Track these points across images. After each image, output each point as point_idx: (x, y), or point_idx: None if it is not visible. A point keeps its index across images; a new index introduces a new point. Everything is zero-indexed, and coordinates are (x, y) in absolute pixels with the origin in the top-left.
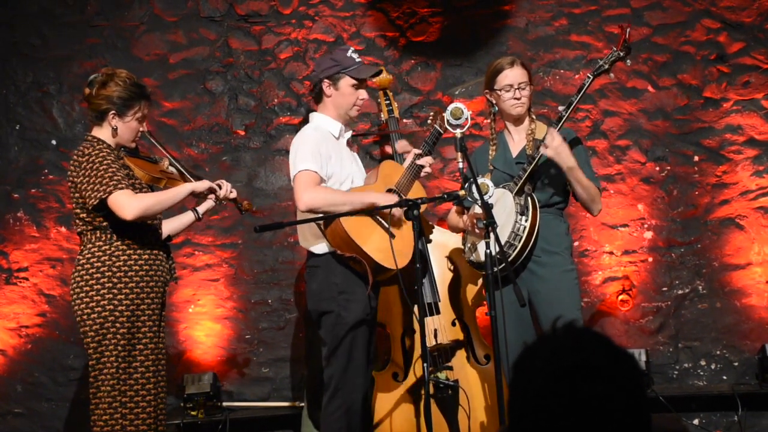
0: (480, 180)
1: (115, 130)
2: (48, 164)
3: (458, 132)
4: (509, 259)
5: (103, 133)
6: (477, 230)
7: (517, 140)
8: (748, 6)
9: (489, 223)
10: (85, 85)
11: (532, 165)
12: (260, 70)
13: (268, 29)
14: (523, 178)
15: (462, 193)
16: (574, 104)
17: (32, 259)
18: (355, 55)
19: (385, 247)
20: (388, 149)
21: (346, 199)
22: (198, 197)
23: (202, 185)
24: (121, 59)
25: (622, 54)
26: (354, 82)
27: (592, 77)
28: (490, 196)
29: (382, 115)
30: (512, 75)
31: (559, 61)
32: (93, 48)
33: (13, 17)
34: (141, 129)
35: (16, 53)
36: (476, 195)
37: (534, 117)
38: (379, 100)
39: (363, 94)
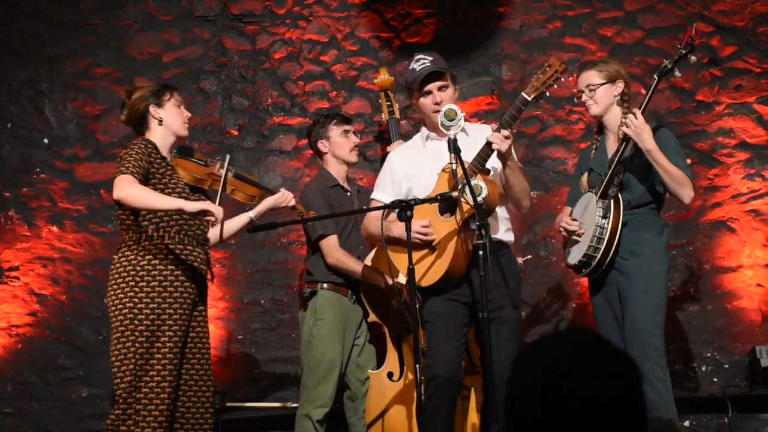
0: (473, 181)
1: (160, 121)
2: (40, 163)
3: (452, 133)
4: (594, 263)
5: (151, 135)
6: (565, 234)
7: (613, 140)
8: (740, 10)
9: (482, 225)
10: (120, 112)
11: (614, 164)
12: (254, 70)
13: (263, 29)
14: (604, 181)
15: (455, 194)
16: (644, 105)
17: (23, 258)
18: (416, 65)
19: (421, 264)
20: (382, 149)
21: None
22: (193, 216)
23: (193, 206)
24: (115, 58)
25: (684, 52)
26: (418, 92)
27: (657, 78)
28: (483, 198)
29: (383, 116)
30: (581, 79)
31: None
32: (87, 47)
33: (6, 15)
34: (187, 114)
35: (9, 51)
36: (469, 197)
37: (627, 118)
38: (380, 101)
39: (436, 95)
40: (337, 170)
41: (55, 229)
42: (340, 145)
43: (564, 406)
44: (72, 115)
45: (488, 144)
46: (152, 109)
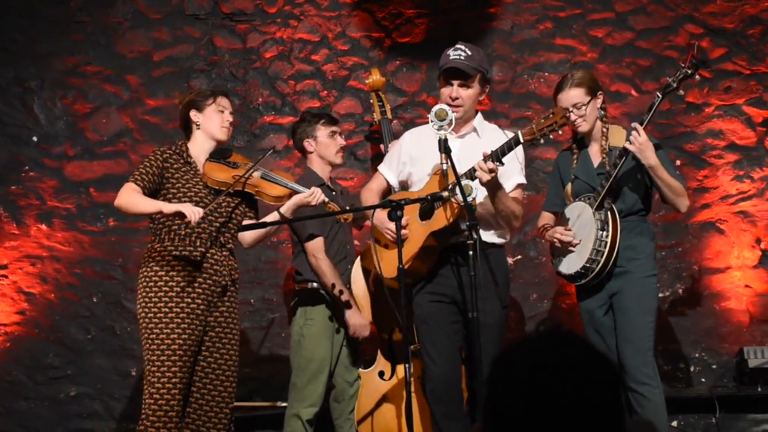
0: (464, 182)
1: (198, 126)
2: (29, 161)
3: (442, 133)
4: (592, 275)
5: (192, 139)
6: (557, 245)
7: (596, 150)
8: (730, 12)
9: (471, 226)
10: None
11: (612, 177)
12: (245, 69)
13: (253, 28)
14: (602, 193)
15: (446, 194)
16: (646, 122)
17: (12, 256)
18: (452, 53)
19: (387, 257)
20: (372, 149)
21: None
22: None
23: (170, 208)
24: (104, 56)
25: (690, 72)
26: (443, 80)
27: (661, 96)
28: (473, 198)
29: (375, 116)
30: (565, 99)
31: (544, 64)
32: (76, 44)
33: None
34: (227, 119)
35: None
36: (460, 197)
37: (607, 127)
38: (371, 101)
39: (454, 90)
40: (321, 170)
41: (43, 227)
42: (326, 146)
43: (551, 404)
44: (61, 113)
45: (474, 169)
46: (192, 113)
